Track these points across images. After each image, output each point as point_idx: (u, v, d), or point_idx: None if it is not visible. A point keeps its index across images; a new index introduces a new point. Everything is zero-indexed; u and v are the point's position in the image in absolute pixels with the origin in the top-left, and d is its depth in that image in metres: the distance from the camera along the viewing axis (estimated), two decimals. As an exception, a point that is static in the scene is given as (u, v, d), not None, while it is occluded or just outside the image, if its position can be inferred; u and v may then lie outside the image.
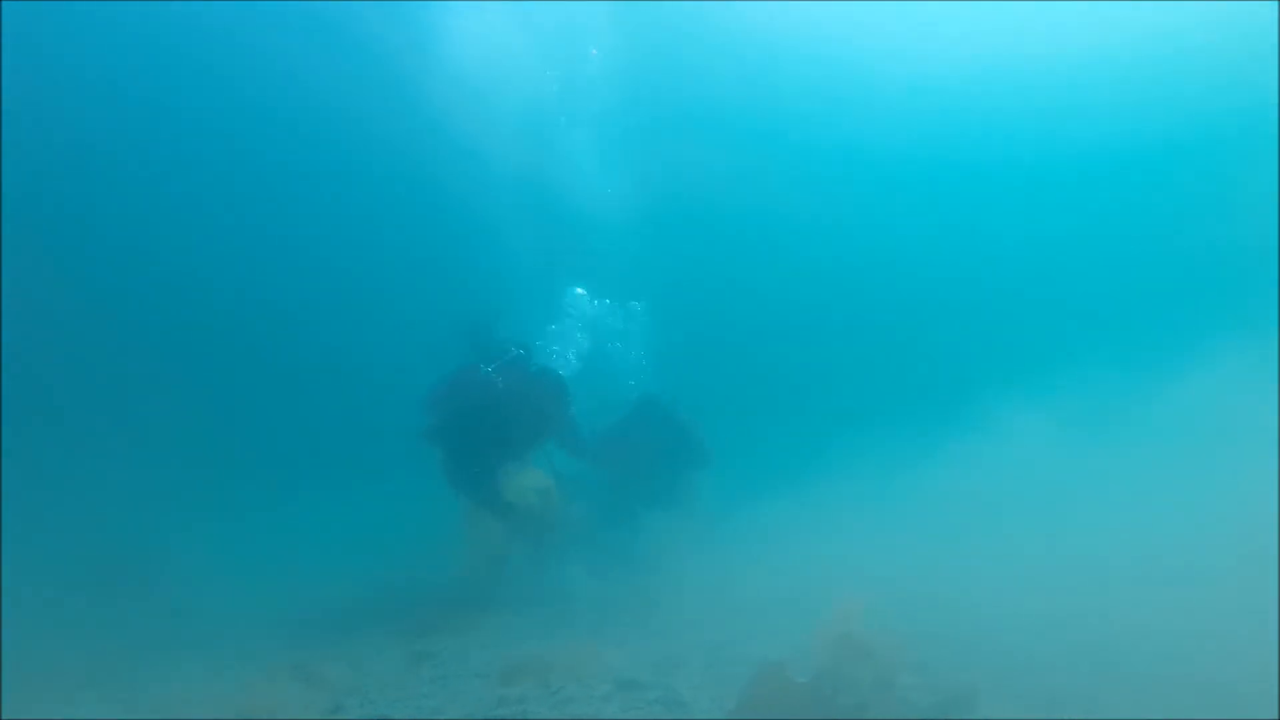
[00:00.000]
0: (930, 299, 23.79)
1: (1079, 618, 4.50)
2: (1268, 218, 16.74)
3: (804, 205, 23.06)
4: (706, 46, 19.16)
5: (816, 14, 17.61)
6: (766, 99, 20.87)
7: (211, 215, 21.52)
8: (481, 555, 7.02)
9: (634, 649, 4.95)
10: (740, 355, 23.28)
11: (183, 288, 20.76)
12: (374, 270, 22.96)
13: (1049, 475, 7.25)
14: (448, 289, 20.83)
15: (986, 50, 18.43)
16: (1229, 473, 5.86)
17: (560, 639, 5.12)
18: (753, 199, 22.61)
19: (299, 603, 6.89)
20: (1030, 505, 6.73)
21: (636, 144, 16.83)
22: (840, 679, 3.34)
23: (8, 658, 4.78)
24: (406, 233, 23.12)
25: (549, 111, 15.22)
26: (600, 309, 10.26)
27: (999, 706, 3.56)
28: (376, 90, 18.79)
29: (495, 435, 7.00)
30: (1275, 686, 3.17)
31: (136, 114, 19.63)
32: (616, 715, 3.68)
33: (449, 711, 3.84)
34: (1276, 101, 15.71)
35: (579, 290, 10.12)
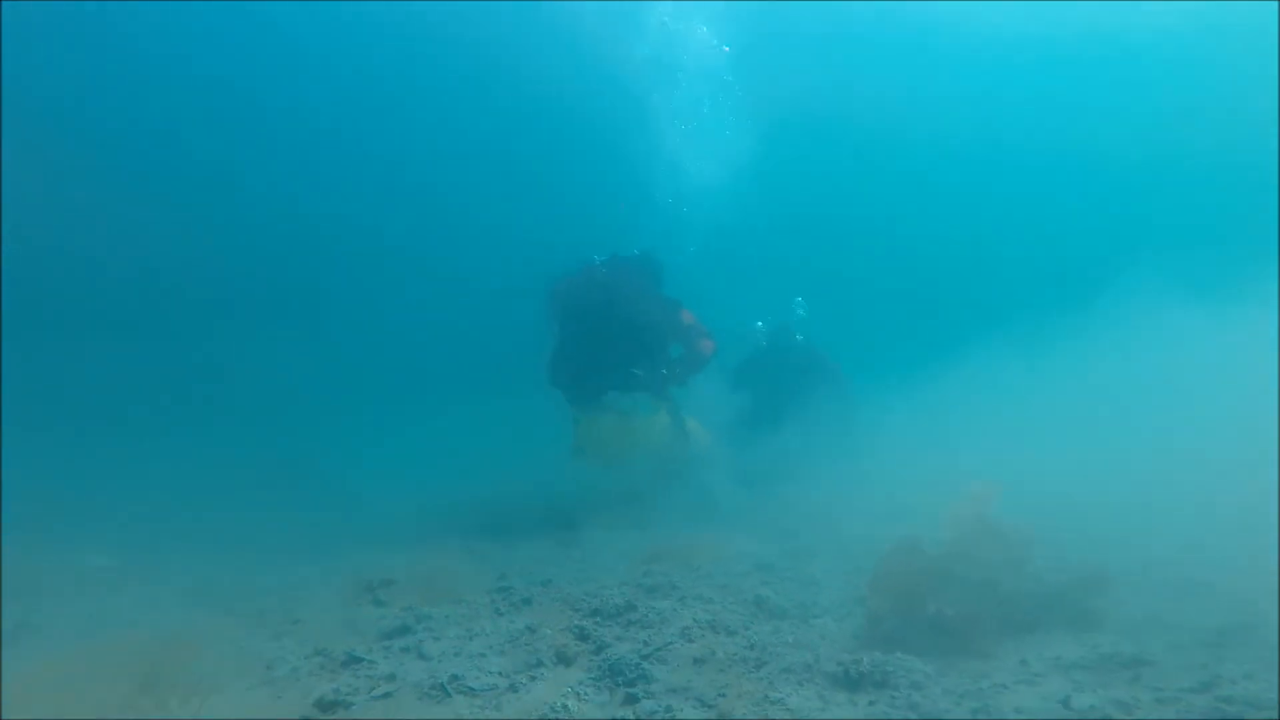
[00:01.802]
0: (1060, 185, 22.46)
1: (1224, 509, 4.38)
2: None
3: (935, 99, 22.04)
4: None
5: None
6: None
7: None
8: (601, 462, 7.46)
9: (768, 543, 5.25)
10: (866, 249, 23.03)
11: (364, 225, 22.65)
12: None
13: (1191, 362, 6.81)
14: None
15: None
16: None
17: (698, 532, 5.48)
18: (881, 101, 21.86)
19: (455, 503, 7.63)
20: (1171, 393, 6.40)
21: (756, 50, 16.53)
22: (971, 557, 3.48)
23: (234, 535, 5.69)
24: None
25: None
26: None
27: (1134, 595, 3.60)
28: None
29: (604, 332, 7.27)
30: None
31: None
32: (755, 588, 3.98)
33: (602, 580, 4.28)
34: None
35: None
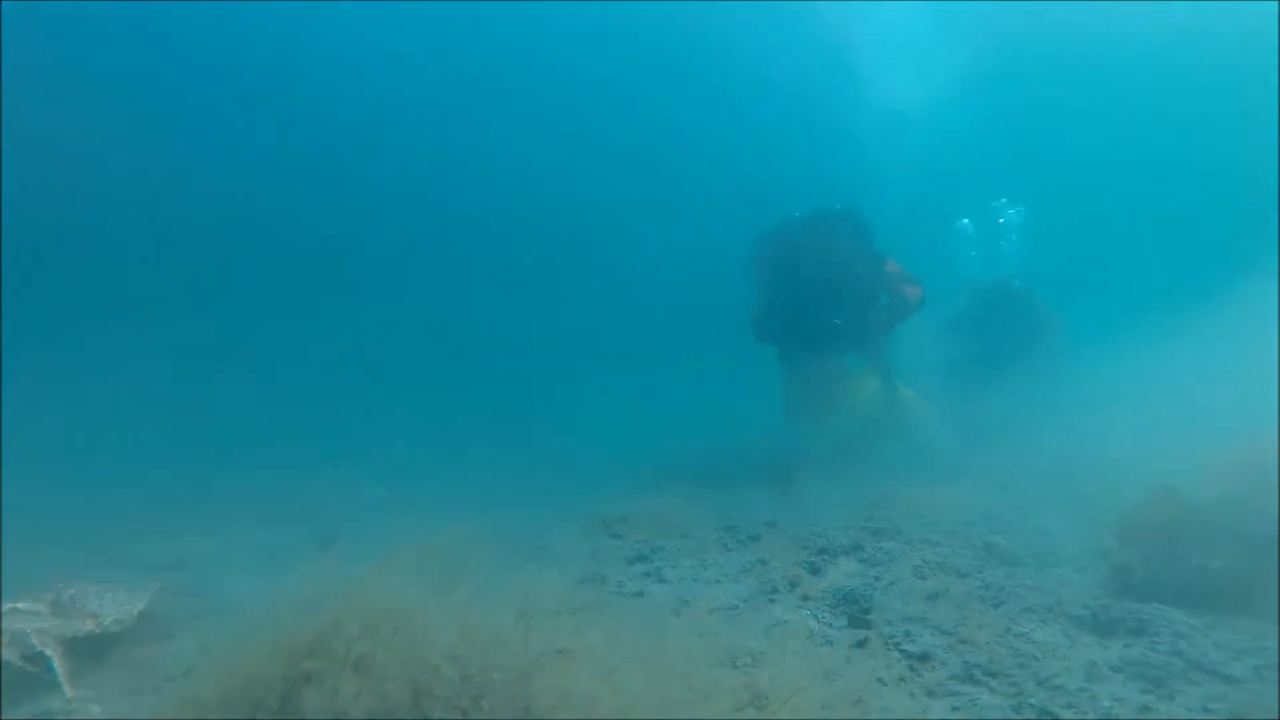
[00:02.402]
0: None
1: None
2: None
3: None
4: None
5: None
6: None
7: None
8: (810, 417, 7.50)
9: (991, 494, 5.06)
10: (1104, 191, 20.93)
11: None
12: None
13: None
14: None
15: None
16: None
17: (917, 483, 5.38)
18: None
19: (671, 456, 8.00)
20: None
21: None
22: (1246, 511, 3.17)
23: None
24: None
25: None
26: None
27: None
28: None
29: (806, 288, 7.24)
30: None
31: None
32: (984, 536, 3.90)
33: (825, 523, 4.38)
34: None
35: None
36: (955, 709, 2.10)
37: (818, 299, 7.33)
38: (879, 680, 2.21)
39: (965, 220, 10.08)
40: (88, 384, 10.81)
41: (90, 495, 7.05)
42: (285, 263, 22.44)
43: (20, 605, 2.88)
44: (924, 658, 2.43)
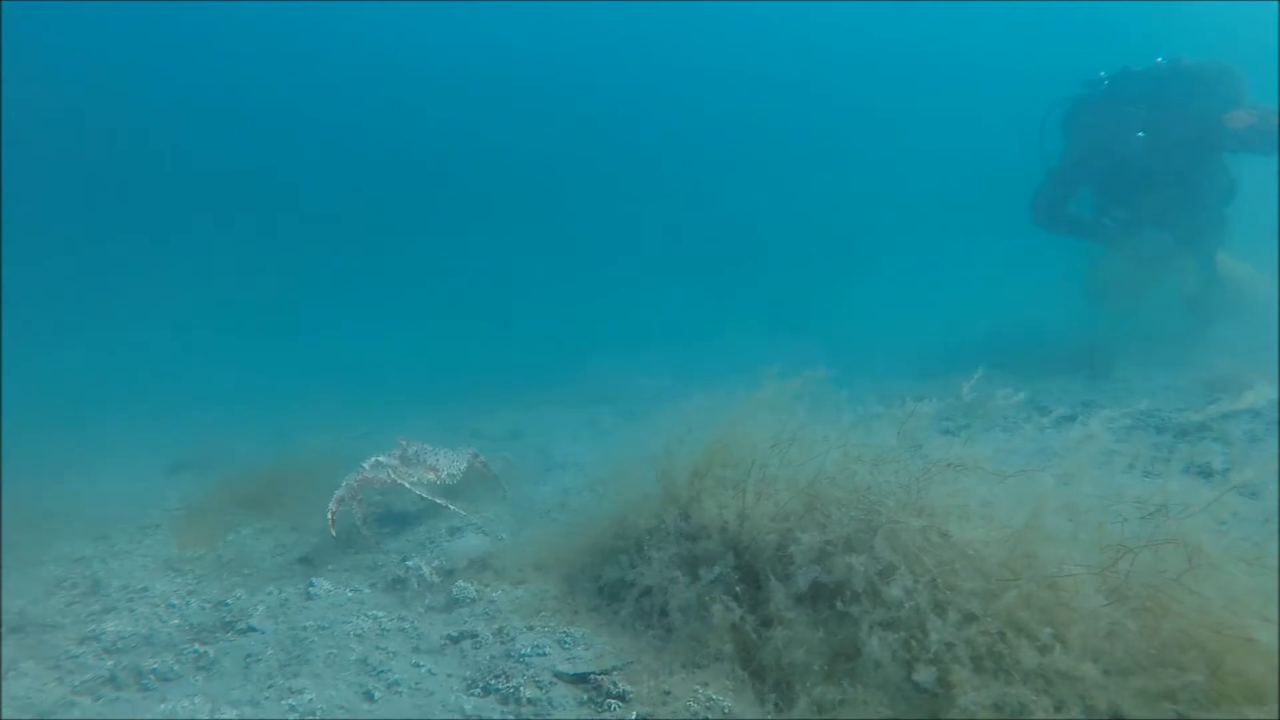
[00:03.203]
0: None
1: None
2: None
3: None
4: None
5: None
6: None
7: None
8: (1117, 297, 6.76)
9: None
10: None
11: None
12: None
13: None
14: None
15: None
16: None
17: (1267, 365, 4.71)
18: None
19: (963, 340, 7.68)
20: None
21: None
22: None
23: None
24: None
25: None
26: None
27: None
28: None
29: (1092, 166, 6.45)
30: None
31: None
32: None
33: (1153, 403, 4.04)
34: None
35: None
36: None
37: (1102, 187, 6.54)
38: None
39: None
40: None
41: (438, 385, 8.51)
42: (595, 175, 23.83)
43: (381, 459, 3.54)
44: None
